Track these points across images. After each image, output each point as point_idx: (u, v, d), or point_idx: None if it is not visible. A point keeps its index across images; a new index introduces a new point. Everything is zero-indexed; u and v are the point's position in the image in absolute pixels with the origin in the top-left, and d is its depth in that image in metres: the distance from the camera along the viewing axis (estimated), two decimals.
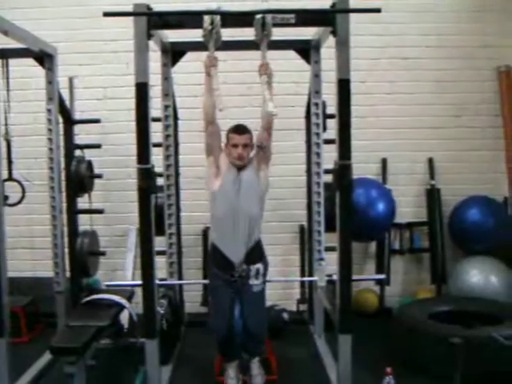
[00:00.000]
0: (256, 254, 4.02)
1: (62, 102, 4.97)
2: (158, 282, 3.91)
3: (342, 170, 3.65)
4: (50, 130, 4.77)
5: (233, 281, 3.95)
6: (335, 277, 3.90)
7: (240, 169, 3.97)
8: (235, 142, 3.92)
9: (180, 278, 5.23)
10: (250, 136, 3.98)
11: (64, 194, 5.01)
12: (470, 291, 5.32)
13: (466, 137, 6.00)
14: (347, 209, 3.71)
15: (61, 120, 5.00)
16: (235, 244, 3.94)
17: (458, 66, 5.95)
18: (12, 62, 4.75)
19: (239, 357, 4.18)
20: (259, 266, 4.01)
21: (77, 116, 5.30)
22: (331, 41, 3.74)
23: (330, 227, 4.64)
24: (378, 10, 3.49)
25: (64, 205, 5.00)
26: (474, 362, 3.92)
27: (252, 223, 3.93)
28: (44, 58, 4.70)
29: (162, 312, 4.39)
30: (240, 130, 3.96)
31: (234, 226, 3.91)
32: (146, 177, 3.63)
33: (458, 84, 5.98)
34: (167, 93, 4.86)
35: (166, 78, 4.82)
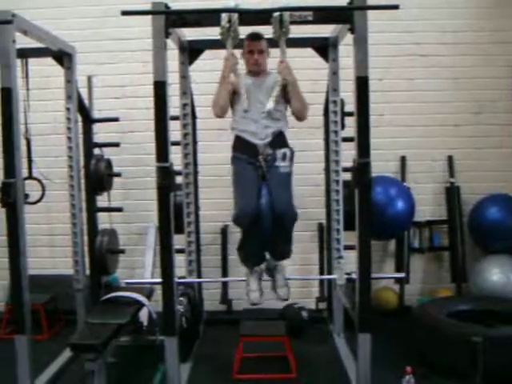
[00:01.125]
0: (281, 140, 3.95)
1: (80, 100, 5.00)
2: (177, 280, 3.92)
3: (361, 167, 3.63)
4: (69, 128, 4.80)
5: (258, 166, 3.87)
6: (354, 275, 3.89)
7: (259, 73, 3.96)
8: (251, 49, 3.92)
9: (199, 276, 5.24)
10: (265, 42, 3.94)
11: (83, 193, 5.05)
12: (491, 290, 5.27)
13: (485, 134, 5.95)
14: (366, 207, 3.69)
15: (80, 119, 5.03)
16: (259, 131, 3.88)
17: (476, 62, 5.91)
18: (31, 61, 4.79)
19: (263, 259, 4.04)
20: (285, 150, 3.93)
21: (95, 115, 5.33)
22: (349, 38, 3.73)
23: (348, 225, 4.63)
24: (395, 7, 3.47)
25: (83, 203, 5.04)
26: (495, 362, 3.89)
27: (273, 115, 3.87)
28: (63, 57, 4.73)
29: (181, 310, 4.40)
30: (255, 36, 3.93)
31: (257, 116, 3.87)
32: (165, 175, 3.64)
33: (477, 81, 5.93)
34: (185, 91, 4.87)
35: (184, 77, 4.83)
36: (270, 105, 3.78)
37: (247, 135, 3.93)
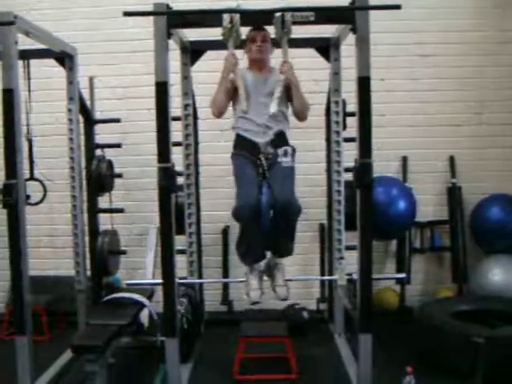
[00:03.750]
0: (282, 139, 3.96)
1: (82, 101, 5.00)
2: (178, 280, 3.92)
3: (363, 168, 3.63)
4: (70, 129, 4.81)
5: (259, 164, 3.87)
6: (355, 276, 3.89)
7: (261, 70, 3.97)
8: (253, 36, 3.92)
9: (200, 277, 5.23)
10: (269, 34, 3.94)
11: (85, 194, 5.05)
12: (492, 290, 5.27)
13: (487, 134, 5.94)
14: (368, 207, 3.69)
15: (81, 120, 5.03)
16: (260, 130, 3.90)
17: (478, 62, 5.90)
18: (33, 62, 4.79)
19: (263, 256, 3.99)
20: (287, 147, 3.93)
21: (97, 116, 5.33)
22: (351, 38, 3.73)
23: (350, 226, 4.63)
24: (398, 7, 3.47)
25: (85, 204, 5.04)
26: (496, 362, 3.89)
27: (276, 115, 3.87)
28: (65, 59, 4.74)
29: (182, 311, 4.40)
30: (258, 27, 3.92)
31: (259, 115, 3.88)
32: (167, 176, 3.64)
33: (479, 81, 5.92)
34: (187, 92, 4.87)
35: (186, 77, 4.83)
36: (274, 108, 3.74)
37: (248, 134, 3.93)
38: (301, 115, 3.98)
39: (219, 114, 3.94)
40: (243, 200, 3.74)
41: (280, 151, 3.90)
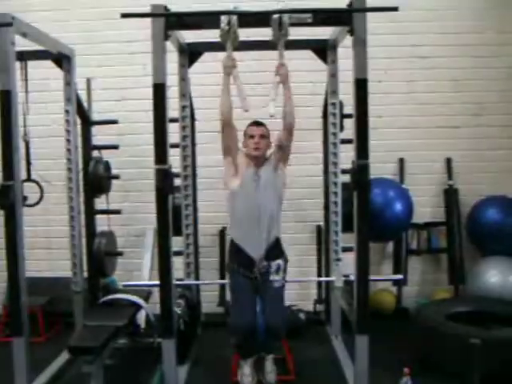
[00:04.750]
0: (276, 250, 4.05)
1: (79, 103, 5.00)
2: (175, 282, 3.92)
3: (360, 169, 3.64)
4: (68, 131, 4.80)
5: (254, 277, 3.98)
6: (352, 277, 3.90)
7: (258, 167, 4.00)
8: (252, 133, 4.00)
9: (197, 279, 5.24)
10: (267, 130, 4.04)
11: (82, 195, 5.04)
12: (488, 292, 5.28)
13: (484, 136, 5.96)
14: (365, 209, 3.70)
15: (79, 121, 5.02)
16: (255, 241, 3.97)
17: (475, 64, 5.91)
18: (30, 63, 4.78)
19: (256, 354, 4.16)
20: (280, 261, 4.05)
21: (94, 117, 5.32)
22: (348, 40, 3.74)
23: (347, 227, 4.63)
24: (395, 9, 3.49)
25: (82, 205, 5.03)
26: (493, 364, 3.89)
27: (271, 220, 3.96)
28: (62, 60, 4.73)
29: (178, 312, 4.40)
30: (256, 122, 4.06)
31: (254, 223, 3.94)
32: (164, 177, 3.64)
33: (477, 82, 5.94)
34: (184, 93, 4.87)
35: (183, 79, 4.83)
36: (271, 110, 3.73)
37: (244, 244, 4.02)
38: (290, 116, 3.90)
39: (227, 114, 3.89)
40: (239, 326, 3.95)
41: (273, 266, 4.03)
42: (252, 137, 4.00)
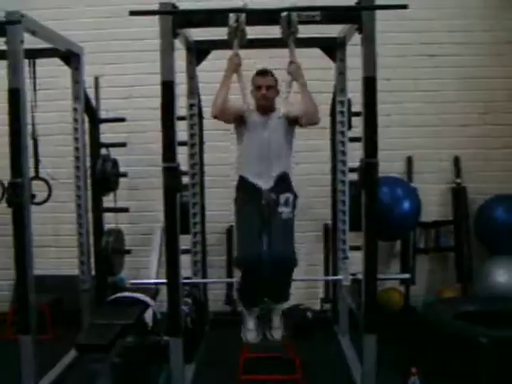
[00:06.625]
0: (285, 184, 4.00)
1: (87, 101, 5.00)
2: (182, 280, 3.92)
3: (368, 168, 3.63)
4: (76, 128, 4.82)
5: (261, 209, 3.88)
6: (360, 276, 3.89)
7: (267, 113, 4.03)
8: (259, 84, 4.00)
9: (204, 277, 5.23)
10: (274, 79, 4.04)
11: (90, 193, 5.05)
12: (496, 291, 5.27)
13: (492, 134, 5.94)
14: (373, 207, 3.69)
15: (87, 119, 5.03)
16: (264, 173, 3.95)
17: (483, 62, 5.90)
18: (38, 61, 4.79)
19: (261, 301, 4.05)
20: (288, 195, 3.98)
21: (102, 115, 5.32)
22: (356, 38, 3.73)
23: (355, 226, 4.62)
24: (404, 7, 3.46)
25: (90, 203, 5.04)
26: (500, 363, 3.88)
27: (279, 154, 3.96)
28: (70, 58, 4.74)
29: (186, 310, 4.40)
30: (263, 72, 4.04)
31: (263, 157, 3.93)
32: (172, 175, 3.64)
33: (484, 81, 5.92)
34: (192, 91, 4.87)
35: (191, 77, 4.83)
36: (283, 111, 3.77)
37: (252, 177, 3.99)
38: (312, 117, 3.93)
39: (219, 113, 3.91)
40: (245, 256, 3.88)
41: (282, 199, 3.94)
42: (259, 87, 4.00)
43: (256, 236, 3.84)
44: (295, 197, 4.05)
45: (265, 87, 3.98)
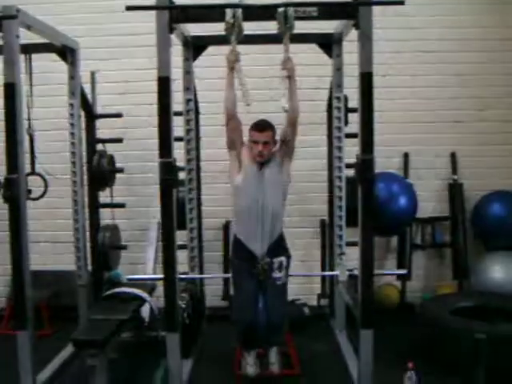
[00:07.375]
0: (279, 247, 4.00)
1: (84, 96, 4.99)
2: (179, 275, 3.92)
3: (364, 164, 3.63)
4: (72, 124, 4.80)
5: (256, 273, 3.93)
6: (356, 271, 3.89)
7: (262, 164, 3.94)
8: (255, 139, 3.89)
9: (201, 272, 5.23)
10: (272, 133, 3.93)
11: (86, 188, 5.05)
12: (493, 286, 5.27)
13: (488, 131, 5.95)
14: (369, 203, 3.69)
15: (83, 114, 5.02)
16: (258, 237, 3.92)
17: (480, 59, 5.90)
18: (34, 56, 4.78)
19: (259, 346, 4.15)
20: (282, 258, 3.99)
21: (99, 110, 5.31)
22: (353, 34, 3.72)
23: (351, 222, 4.62)
24: (401, 3, 3.46)
25: (86, 199, 5.04)
26: (497, 358, 3.89)
27: (275, 216, 3.91)
28: (66, 53, 4.73)
29: (183, 306, 4.40)
30: (260, 127, 3.92)
31: (257, 220, 3.89)
32: (168, 171, 3.63)
33: (481, 77, 5.92)
34: (189, 87, 4.86)
35: (188, 72, 4.82)
36: (285, 104, 3.71)
37: (247, 242, 3.97)
38: (296, 112, 3.85)
39: (231, 108, 3.85)
40: (241, 319, 3.99)
41: (276, 263, 3.96)
42: (256, 143, 3.89)
43: (251, 302, 3.95)
44: (289, 259, 4.06)
45: (261, 144, 3.88)
